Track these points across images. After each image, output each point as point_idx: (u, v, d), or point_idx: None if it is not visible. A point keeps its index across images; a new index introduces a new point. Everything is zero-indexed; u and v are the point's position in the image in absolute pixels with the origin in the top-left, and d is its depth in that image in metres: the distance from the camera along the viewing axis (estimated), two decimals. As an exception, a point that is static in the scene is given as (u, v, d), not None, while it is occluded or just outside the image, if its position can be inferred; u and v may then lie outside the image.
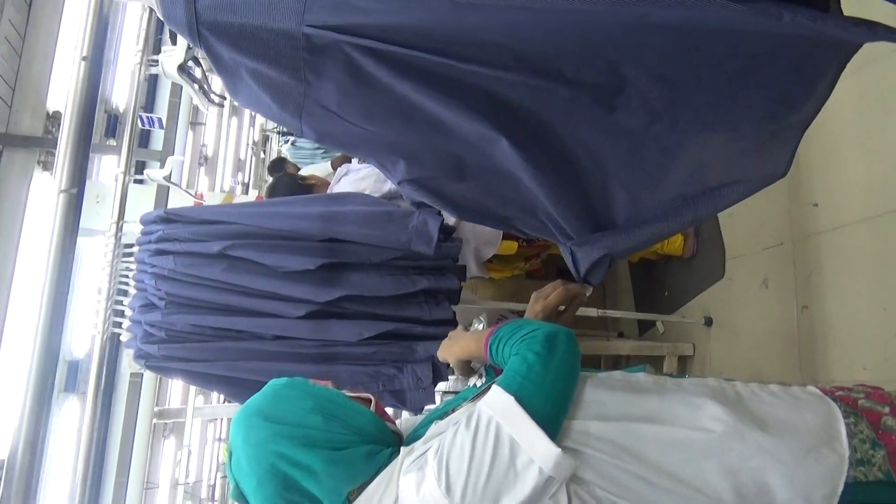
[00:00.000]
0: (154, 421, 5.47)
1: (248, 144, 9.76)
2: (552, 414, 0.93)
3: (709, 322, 3.38)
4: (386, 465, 0.99)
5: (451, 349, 1.29)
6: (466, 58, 0.99)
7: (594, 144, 1.12)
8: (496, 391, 0.95)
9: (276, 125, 7.76)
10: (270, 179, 4.01)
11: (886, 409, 1.01)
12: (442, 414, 1.07)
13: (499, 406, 0.92)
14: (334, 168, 4.27)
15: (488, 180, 1.19)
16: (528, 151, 1.08)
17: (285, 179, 2.93)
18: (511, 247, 2.94)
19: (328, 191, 2.75)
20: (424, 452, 0.94)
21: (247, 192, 8.52)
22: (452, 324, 2.14)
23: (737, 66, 0.98)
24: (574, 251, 1.26)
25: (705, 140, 1.09)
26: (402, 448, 1.01)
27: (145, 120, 3.82)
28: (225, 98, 3.75)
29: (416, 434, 1.08)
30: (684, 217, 1.21)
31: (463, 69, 1.00)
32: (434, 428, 1.01)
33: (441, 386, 2.40)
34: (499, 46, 0.98)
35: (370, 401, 1.09)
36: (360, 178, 2.59)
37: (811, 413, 1.00)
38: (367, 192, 2.48)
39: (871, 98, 2.39)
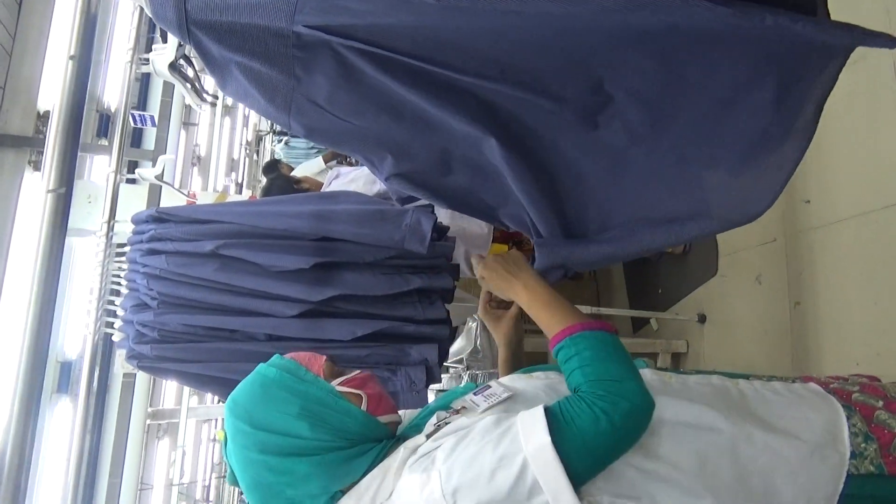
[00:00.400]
0: (148, 422, 5.44)
1: (241, 144, 9.73)
2: (588, 474, 0.89)
3: (702, 319, 3.39)
4: (379, 460, 0.98)
5: (510, 284, 1.17)
6: (454, 67, 1.00)
7: (574, 158, 1.14)
8: (539, 426, 0.87)
9: (270, 125, 7.75)
10: (264, 180, 3.99)
11: (880, 403, 1.01)
12: (444, 405, 1.05)
13: (533, 445, 0.86)
14: (326, 162, 4.27)
15: (474, 172, 1.20)
16: (511, 154, 1.09)
17: (279, 182, 2.92)
18: (501, 251, 2.94)
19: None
20: (432, 451, 0.92)
21: (240, 192, 8.49)
22: (446, 323, 2.13)
23: (719, 99, 0.99)
24: (535, 249, 1.26)
25: (682, 169, 1.10)
26: (402, 443, 0.98)
27: (137, 118, 3.80)
28: (217, 97, 3.74)
29: (415, 423, 1.07)
30: (641, 242, 1.21)
31: (451, 76, 1.01)
32: (439, 429, 0.97)
33: (434, 386, 2.40)
34: (485, 58, 0.99)
35: (361, 396, 1.05)
36: (350, 180, 2.59)
37: (814, 412, 1.00)
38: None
39: (861, 95, 2.40)
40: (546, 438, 0.85)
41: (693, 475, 0.91)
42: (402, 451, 0.96)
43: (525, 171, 1.12)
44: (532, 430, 0.87)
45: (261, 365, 1.06)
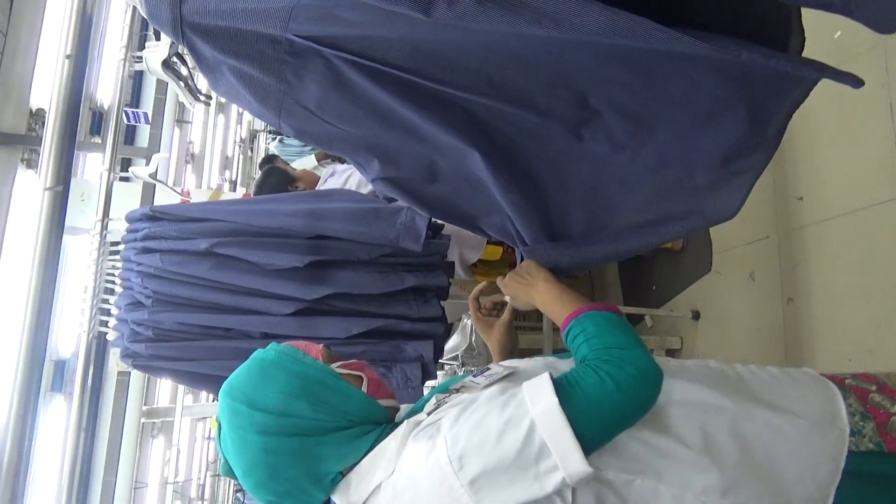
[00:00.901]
0: (142, 420, 5.45)
1: (235, 142, 9.71)
2: (596, 440, 0.88)
3: (696, 316, 3.41)
4: (380, 441, 0.97)
5: (527, 294, 1.22)
6: (443, 80, 1.02)
7: (559, 167, 1.17)
8: (545, 389, 0.88)
9: (264, 123, 7.74)
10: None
11: (873, 387, 1.04)
12: (443, 389, 1.05)
13: (540, 407, 0.86)
14: (319, 160, 4.27)
15: (458, 183, 1.23)
16: (497, 166, 1.12)
17: (271, 179, 2.90)
18: (496, 252, 2.95)
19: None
20: (436, 422, 0.91)
21: (234, 190, 8.48)
22: (441, 321, 2.15)
23: (698, 111, 1.04)
24: (523, 257, 1.30)
25: (663, 175, 1.15)
26: (404, 421, 0.98)
27: (131, 115, 3.79)
28: (211, 97, 3.74)
29: (414, 410, 1.07)
30: (630, 243, 1.26)
31: (439, 89, 1.03)
32: (440, 403, 0.97)
33: (430, 383, 2.41)
34: (474, 72, 1.02)
35: (362, 378, 1.05)
36: (345, 179, 2.60)
37: (811, 391, 1.02)
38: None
39: (853, 94, 2.42)
40: (553, 399, 0.85)
41: (699, 451, 0.91)
42: (404, 427, 0.95)
43: (510, 181, 1.15)
44: (538, 393, 0.87)
45: (258, 350, 1.04)
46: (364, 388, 1.03)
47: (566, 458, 0.83)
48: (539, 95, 1.04)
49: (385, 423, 1.02)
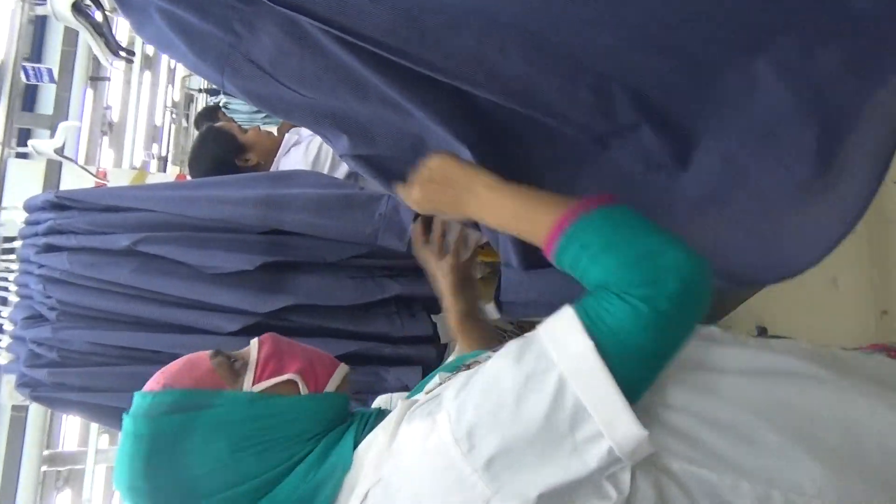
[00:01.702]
0: (43, 468, 5.43)
1: (165, 107, 9.68)
2: (637, 389, 0.81)
3: (762, 332, 3.42)
4: (365, 434, 0.94)
5: (458, 204, 1.08)
6: (428, 63, 1.00)
7: (569, 177, 1.15)
8: (573, 328, 0.82)
9: (204, 82, 7.73)
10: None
11: None
12: (451, 368, 1.05)
13: (569, 353, 0.80)
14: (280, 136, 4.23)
15: None
16: (488, 165, 1.11)
17: (214, 133, 2.80)
18: (494, 257, 2.98)
19: (274, 164, 2.71)
20: (437, 396, 0.88)
21: (164, 170, 8.47)
22: (431, 340, 2.15)
23: (758, 125, 1.00)
24: (504, 281, 1.31)
25: (703, 210, 1.11)
26: (398, 402, 0.95)
27: (31, 72, 3.77)
28: (134, 53, 3.72)
29: (416, 390, 1.07)
30: None
31: (424, 73, 1.02)
32: (443, 381, 0.96)
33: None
34: (467, 57, 1.01)
35: (293, 381, 1.00)
36: (315, 151, 2.56)
37: (870, 362, 1.02)
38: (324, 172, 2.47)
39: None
40: (586, 342, 0.80)
41: (789, 435, 0.85)
42: (396, 411, 0.91)
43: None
44: (565, 334, 0.82)
45: (125, 421, 0.94)
46: (304, 390, 0.99)
47: (612, 420, 0.77)
48: (549, 91, 1.02)
49: (351, 413, 1.01)
